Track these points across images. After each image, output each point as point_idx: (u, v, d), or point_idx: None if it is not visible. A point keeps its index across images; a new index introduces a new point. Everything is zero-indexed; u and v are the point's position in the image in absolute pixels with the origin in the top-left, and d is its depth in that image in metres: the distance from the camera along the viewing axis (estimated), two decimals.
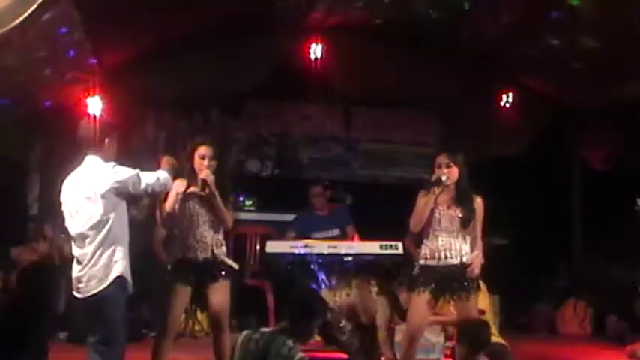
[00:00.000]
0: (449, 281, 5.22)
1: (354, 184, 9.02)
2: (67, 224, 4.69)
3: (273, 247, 7.37)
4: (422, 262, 5.32)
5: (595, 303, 8.51)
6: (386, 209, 8.43)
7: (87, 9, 5.57)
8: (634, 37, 6.37)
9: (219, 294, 5.28)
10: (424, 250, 5.33)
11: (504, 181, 8.01)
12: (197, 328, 7.51)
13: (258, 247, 8.11)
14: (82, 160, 4.69)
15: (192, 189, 5.30)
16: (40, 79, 5.99)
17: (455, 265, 5.21)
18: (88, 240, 4.60)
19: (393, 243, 7.27)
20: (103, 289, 4.55)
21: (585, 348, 7.58)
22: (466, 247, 5.25)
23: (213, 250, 5.30)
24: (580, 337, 8.32)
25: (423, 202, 5.28)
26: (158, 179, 4.74)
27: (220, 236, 5.38)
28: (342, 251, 7.23)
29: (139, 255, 7.41)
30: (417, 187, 7.60)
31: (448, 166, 5.24)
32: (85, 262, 4.59)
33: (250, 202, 8.70)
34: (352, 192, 8.76)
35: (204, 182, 5.22)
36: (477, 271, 5.23)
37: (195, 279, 5.27)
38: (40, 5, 4.64)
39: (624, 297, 8.27)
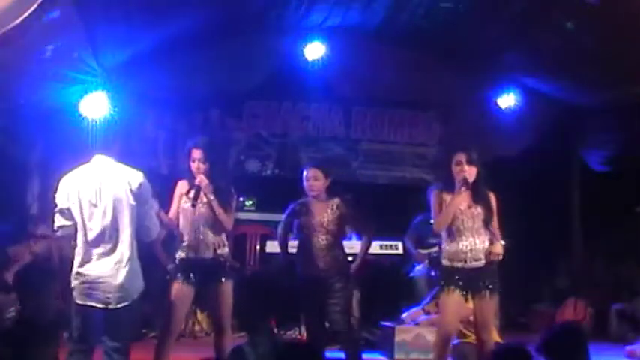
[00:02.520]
0: (474, 281, 5.24)
1: (354, 184, 9.01)
2: (84, 225, 4.54)
3: (274, 247, 7.39)
4: (446, 263, 5.31)
5: (595, 303, 8.50)
6: (386, 209, 8.44)
7: (87, 9, 5.57)
8: (634, 37, 6.37)
9: (222, 295, 5.28)
10: (448, 250, 5.31)
11: (504, 181, 8.00)
12: (197, 328, 7.51)
13: (258, 247, 8.11)
14: (90, 159, 4.66)
15: (193, 191, 5.30)
16: (40, 78, 5.98)
17: (480, 267, 5.24)
18: (108, 246, 4.51)
19: (393, 243, 7.31)
20: (130, 303, 4.51)
21: None
22: (486, 245, 5.28)
23: (215, 251, 5.31)
24: None
25: (449, 202, 5.24)
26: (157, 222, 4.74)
27: (223, 237, 5.38)
28: None
29: (139, 255, 7.47)
30: (416, 187, 7.63)
31: (468, 164, 5.23)
32: (109, 272, 4.48)
33: (250, 202, 8.70)
34: (352, 192, 8.75)
35: (198, 187, 5.23)
36: (499, 255, 5.28)
37: (198, 279, 5.27)
38: (40, 5, 4.63)
39: (624, 297, 8.28)
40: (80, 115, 6.59)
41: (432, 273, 7.18)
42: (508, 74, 8.48)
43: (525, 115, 8.61)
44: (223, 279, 5.27)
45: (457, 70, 8.50)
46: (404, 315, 6.99)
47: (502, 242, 5.31)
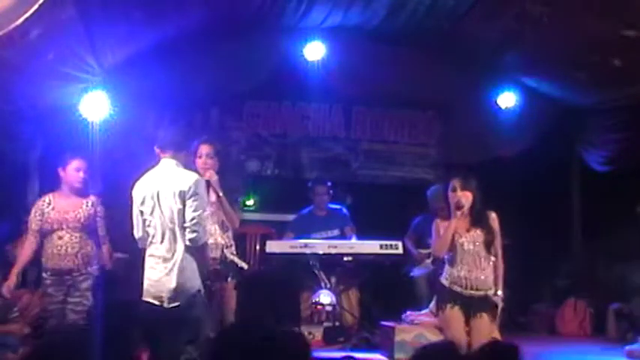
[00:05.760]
0: (472, 308, 5.38)
1: (354, 184, 9.02)
2: (151, 223, 4.68)
3: (273, 247, 7.38)
4: (446, 283, 5.44)
5: (595, 303, 8.50)
6: (386, 209, 8.44)
7: (87, 8, 5.57)
8: (634, 37, 6.37)
9: (226, 294, 5.29)
10: (449, 274, 5.44)
11: (504, 181, 8.01)
12: None
13: (258, 247, 8.11)
14: (158, 161, 4.81)
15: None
16: (40, 78, 5.98)
17: (480, 297, 5.36)
18: (162, 248, 4.61)
19: (393, 243, 7.31)
20: (183, 304, 4.54)
21: (585, 348, 7.57)
22: (489, 273, 5.33)
23: (223, 250, 5.32)
24: (580, 337, 8.31)
25: (444, 228, 5.35)
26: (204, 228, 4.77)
27: (230, 236, 5.40)
28: (342, 251, 7.25)
29: (139, 254, 7.46)
30: (416, 187, 7.60)
31: (462, 190, 5.32)
32: (172, 266, 4.57)
33: (250, 202, 8.70)
34: (352, 192, 8.76)
35: (208, 183, 5.23)
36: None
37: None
38: (40, 5, 4.63)
39: (624, 297, 8.27)
40: (80, 115, 6.59)
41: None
42: (508, 74, 8.48)
43: (525, 115, 8.61)
44: (229, 279, 5.29)
45: (457, 70, 8.49)
46: (409, 315, 6.97)
47: (500, 294, 5.44)
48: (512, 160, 8.61)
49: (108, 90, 6.74)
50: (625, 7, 6.14)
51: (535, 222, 8.57)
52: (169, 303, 4.55)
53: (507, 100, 8.55)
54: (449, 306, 5.36)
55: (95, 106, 6.57)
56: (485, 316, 5.31)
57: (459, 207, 5.32)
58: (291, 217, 8.11)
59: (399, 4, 7.29)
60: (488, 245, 5.37)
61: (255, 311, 7.03)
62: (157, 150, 4.85)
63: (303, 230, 7.69)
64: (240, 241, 8.03)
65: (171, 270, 4.57)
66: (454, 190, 5.38)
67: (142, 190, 4.75)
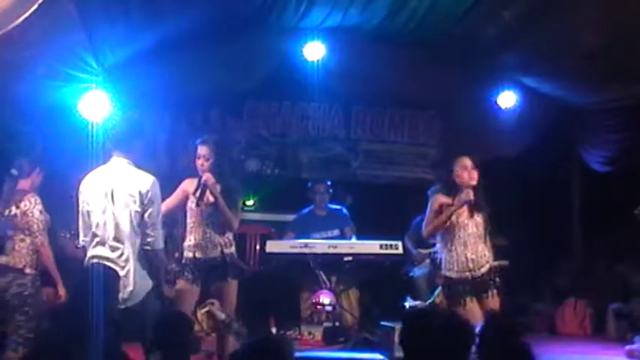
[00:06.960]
0: (481, 285, 5.35)
1: (354, 184, 9.02)
2: (101, 221, 4.59)
3: (273, 247, 7.39)
4: (453, 275, 5.39)
5: (595, 303, 8.51)
6: (386, 209, 8.44)
7: (87, 9, 5.57)
8: (635, 37, 6.37)
9: (226, 294, 5.29)
10: (451, 260, 5.39)
11: (504, 181, 8.01)
12: (197, 328, 7.50)
13: (258, 247, 8.11)
14: (108, 159, 4.69)
15: (199, 189, 5.31)
16: (40, 78, 5.98)
17: (485, 273, 5.33)
18: (114, 247, 4.55)
19: (393, 243, 7.31)
20: (139, 303, 4.52)
21: (585, 348, 7.57)
22: (487, 249, 5.33)
23: (222, 250, 5.31)
24: (580, 337, 8.32)
25: (446, 209, 5.30)
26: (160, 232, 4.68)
27: (229, 236, 5.39)
28: (342, 251, 7.25)
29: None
30: (417, 187, 7.59)
31: (473, 169, 5.29)
32: (125, 269, 4.52)
33: (250, 202, 8.70)
34: (352, 192, 8.76)
35: (204, 185, 5.22)
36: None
37: (204, 279, 5.27)
38: (40, 5, 4.63)
39: (624, 297, 8.28)
40: (80, 115, 6.59)
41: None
42: (508, 74, 8.48)
43: (525, 115, 8.61)
44: (229, 279, 5.29)
45: (457, 70, 8.48)
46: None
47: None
48: (512, 160, 8.61)
49: (108, 90, 6.74)
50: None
51: (535, 222, 8.57)
52: (122, 304, 4.52)
53: (507, 99, 8.55)
54: (468, 299, 5.29)
55: (95, 106, 6.57)
56: (495, 292, 5.30)
57: (471, 184, 5.26)
58: (291, 217, 8.11)
59: (399, 4, 7.30)
60: (487, 229, 5.38)
61: (255, 311, 7.05)
62: (108, 145, 4.76)
63: (303, 230, 7.69)
64: (240, 241, 8.06)
65: (124, 273, 4.52)
66: (465, 168, 5.31)
67: (93, 188, 4.64)
